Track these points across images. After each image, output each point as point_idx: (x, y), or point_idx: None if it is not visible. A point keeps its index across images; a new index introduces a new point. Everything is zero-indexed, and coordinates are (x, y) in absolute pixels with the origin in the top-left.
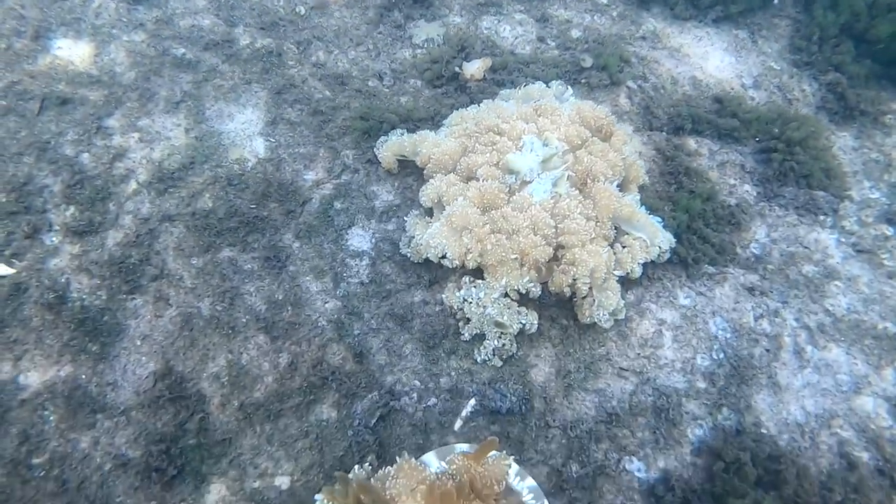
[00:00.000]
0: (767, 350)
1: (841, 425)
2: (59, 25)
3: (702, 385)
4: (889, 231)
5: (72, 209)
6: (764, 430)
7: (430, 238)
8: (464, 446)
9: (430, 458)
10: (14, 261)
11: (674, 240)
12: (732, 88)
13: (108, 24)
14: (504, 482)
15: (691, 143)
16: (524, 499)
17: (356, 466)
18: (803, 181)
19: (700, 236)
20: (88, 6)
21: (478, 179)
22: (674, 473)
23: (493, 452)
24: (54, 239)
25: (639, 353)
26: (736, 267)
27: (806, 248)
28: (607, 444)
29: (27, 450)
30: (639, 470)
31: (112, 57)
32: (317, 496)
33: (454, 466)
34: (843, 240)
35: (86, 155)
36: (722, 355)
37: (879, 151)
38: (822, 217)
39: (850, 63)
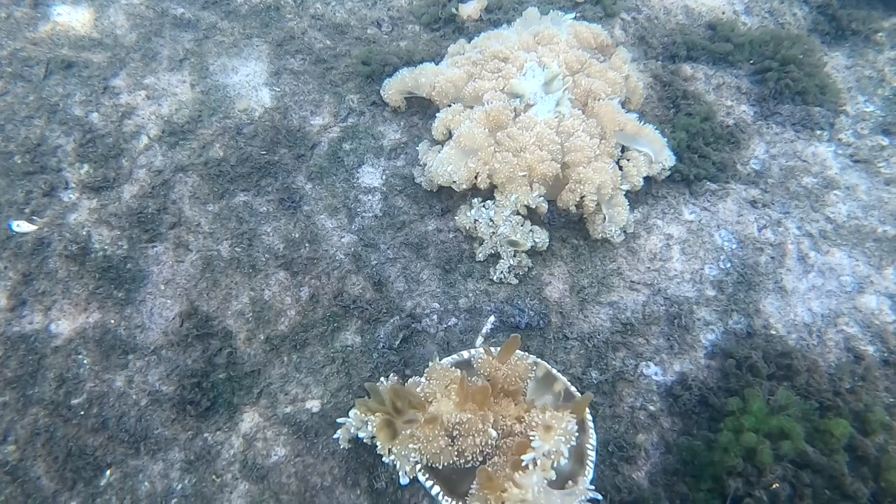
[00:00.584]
0: (772, 258)
1: (847, 323)
2: None
3: (711, 293)
4: (885, 141)
5: (86, 167)
6: (773, 332)
7: (440, 163)
8: (480, 350)
9: (447, 363)
10: (35, 218)
11: (674, 156)
12: (724, 14)
13: None
14: (528, 379)
15: (687, 69)
16: (556, 389)
17: (382, 378)
18: (799, 98)
19: (701, 155)
20: None
21: (483, 104)
22: (689, 375)
23: (518, 352)
24: (72, 196)
25: (649, 267)
26: (737, 182)
27: (804, 161)
28: (624, 352)
29: (65, 391)
30: (656, 374)
31: (112, 20)
32: (350, 412)
33: (482, 365)
34: (840, 152)
35: (95, 114)
36: (729, 265)
37: (872, 68)
38: (818, 131)
39: None
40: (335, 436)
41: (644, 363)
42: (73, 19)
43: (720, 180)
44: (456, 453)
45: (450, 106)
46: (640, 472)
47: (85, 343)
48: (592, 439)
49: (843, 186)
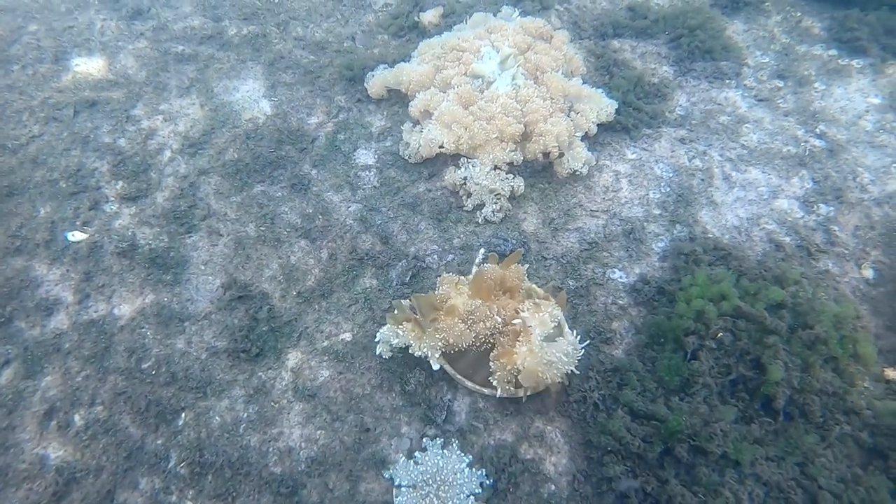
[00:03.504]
0: (703, 180)
1: (767, 222)
2: (72, 48)
3: (657, 212)
4: (780, 84)
5: (120, 182)
6: (710, 236)
7: (428, 135)
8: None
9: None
10: (86, 227)
11: (616, 103)
12: None
13: (113, 39)
14: (525, 281)
15: (615, 43)
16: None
17: (403, 300)
18: (708, 56)
19: (635, 108)
20: (93, 28)
21: (453, 88)
22: (647, 274)
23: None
24: (113, 207)
25: (604, 198)
26: (668, 126)
27: (719, 104)
28: (593, 264)
29: (136, 359)
30: (621, 277)
31: (123, 64)
32: (381, 329)
33: (482, 270)
34: (746, 94)
35: (122, 140)
36: (668, 189)
37: (764, 30)
38: (727, 81)
39: None
40: (377, 351)
41: (610, 270)
42: (90, 67)
43: (653, 126)
44: (473, 336)
45: (421, 92)
46: (617, 350)
47: (146, 319)
48: (566, 326)
49: (752, 120)
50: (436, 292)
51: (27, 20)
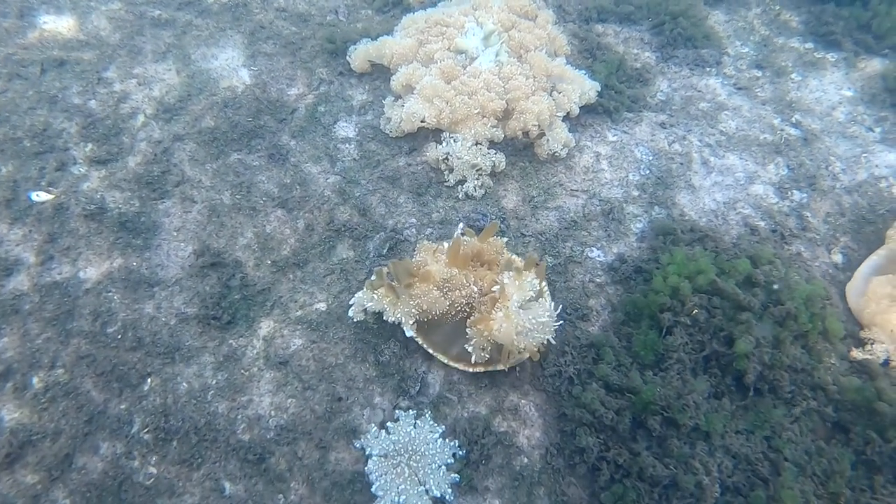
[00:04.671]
0: (681, 164)
1: (743, 206)
2: (39, 4)
3: (636, 193)
4: (759, 73)
5: (90, 145)
6: (687, 218)
7: (409, 108)
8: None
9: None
10: (51, 188)
11: (598, 85)
12: None
13: None
14: (503, 253)
15: (599, 27)
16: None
17: (382, 268)
18: (690, 44)
19: (617, 91)
20: None
21: (436, 62)
22: (625, 254)
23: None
24: (81, 169)
25: (584, 178)
26: (648, 111)
27: (699, 91)
28: (572, 243)
29: (101, 322)
30: (598, 256)
31: (95, 24)
32: (357, 294)
33: (465, 241)
34: (726, 83)
35: (92, 101)
36: (648, 171)
37: (744, 21)
38: (708, 68)
39: None
40: (350, 313)
41: (588, 248)
42: (59, 26)
43: (634, 110)
44: (448, 304)
45: (403, 66)
46: (593, 327)
47: (113, 283)
48: (546, 291)
49: (731, 108)
50: (413, 259)
51: None
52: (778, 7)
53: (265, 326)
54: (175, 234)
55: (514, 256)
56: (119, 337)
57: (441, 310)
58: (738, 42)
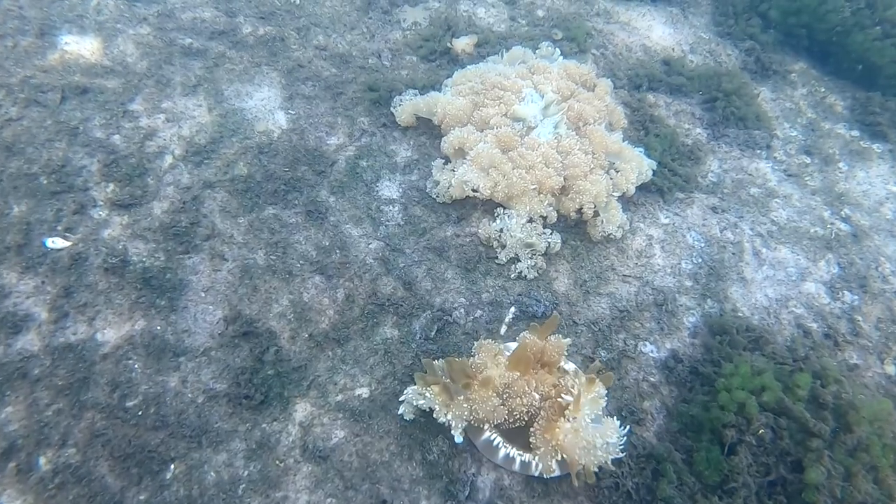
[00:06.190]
0: (734, 253)
1: (795, 305)
2: (62, 23)
3: (688, 283)
4: (808, 160)
5: (112, 185)
6: (740, 314)
7: (462, 176)
8: (511, 344)
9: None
10: (68, 234)
11: (655, 164)
12: (675, 52)
13: (110, 20)
14: (564, 354)
15: (650, 97)
16: (569, 370)
17: (435, 361)
18: (741, 123)
19: (670, 170)
20: (88, 4)
21: (491, 128)
22: (679, 350)
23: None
24: (102, 213)
25: (636, 263)
26: (699, 192)
27: (750, 175)
28: (624, 334)
29: (120, 395)
30: (652, 351)
31: (121, 49)
32: (407, 389)
33: (525, 341)
34: (776, 168)
35: (116, 136)
36: (700, 260)
37: (791, 101)
38: (759, 151)
39: (760, 33)
40: (399, 411)
41: (641, 342)
42: (82, 48)
43: (686, 190)
44: (507, 412)
45: (456, 128)
46: (648, 432)
47: (134, 349)
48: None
49: (781, 195)
50: (471, 359)
51: None
52: (823, 90)
53: (301, 409)
54: (203, 294)
55: (577, 369)
56: (140, 413)
57: (499, 419)
58: (786, 124)
